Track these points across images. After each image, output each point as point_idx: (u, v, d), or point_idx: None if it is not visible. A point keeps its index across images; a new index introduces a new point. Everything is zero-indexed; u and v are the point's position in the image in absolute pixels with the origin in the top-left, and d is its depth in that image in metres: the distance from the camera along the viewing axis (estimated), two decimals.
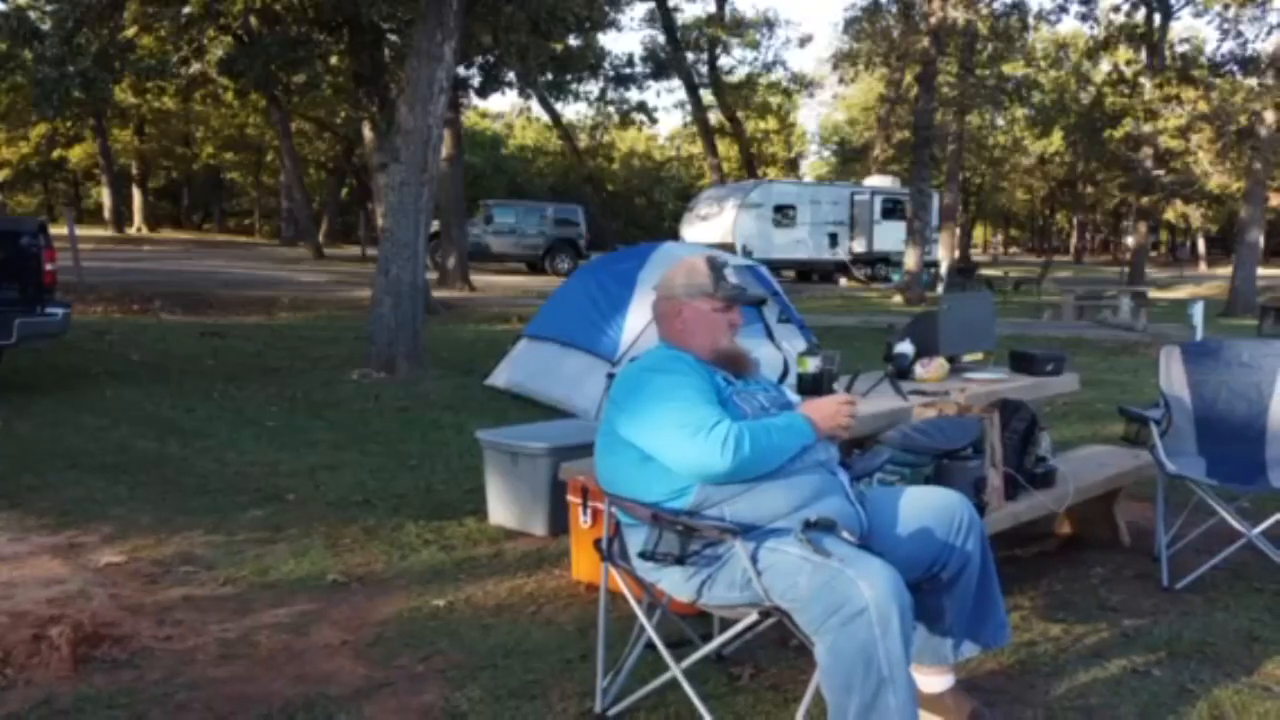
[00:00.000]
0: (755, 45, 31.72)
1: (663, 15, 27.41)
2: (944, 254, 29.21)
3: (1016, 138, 46.17)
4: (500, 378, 7.73)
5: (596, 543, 2.48)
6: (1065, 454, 4.36)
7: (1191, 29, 29.62)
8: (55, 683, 2.53)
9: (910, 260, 22.97)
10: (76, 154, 38.06)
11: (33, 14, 14.57)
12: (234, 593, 3.27)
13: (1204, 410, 3.83)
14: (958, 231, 49.69)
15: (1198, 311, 12.22)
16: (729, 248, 22.11)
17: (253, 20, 13.57)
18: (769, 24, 31.96)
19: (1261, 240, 27.69)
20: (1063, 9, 30.47)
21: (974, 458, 3.20)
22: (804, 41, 38.06)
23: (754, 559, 2.05)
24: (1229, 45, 27.39)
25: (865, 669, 1.89)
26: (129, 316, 12.41)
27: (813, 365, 3.57)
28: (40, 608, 3.05)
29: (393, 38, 13.34)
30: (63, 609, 3.02)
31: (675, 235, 26.80)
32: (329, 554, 3.69)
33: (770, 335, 7.27)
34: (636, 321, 6.61)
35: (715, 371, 2.30)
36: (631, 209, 43.09)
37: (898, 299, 21.82)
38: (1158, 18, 29.22)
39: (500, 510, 4.18)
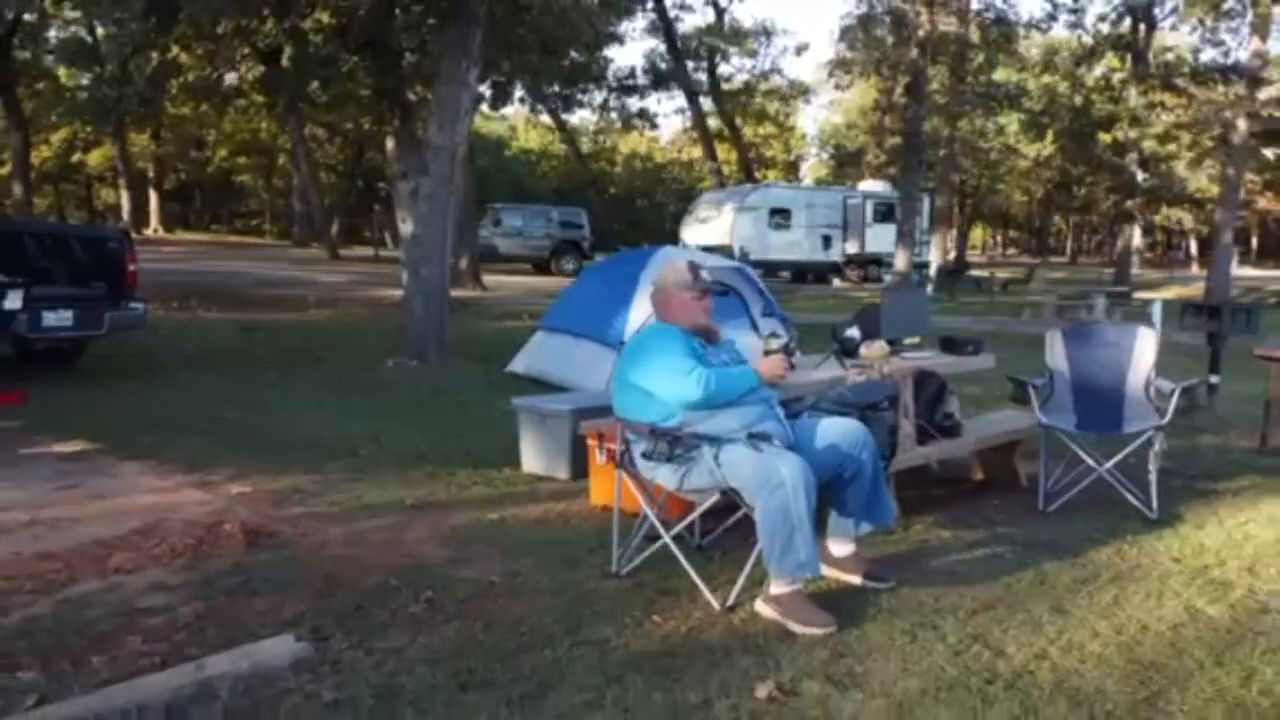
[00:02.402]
0: (753, 53, 32.83)
1: (664, 25, 28.54)
2: (936, 255, 30.34)
3: (1011, 143, 47.25)
4: (519, 365, 8.84)
5: (611, 456, 3.59)
6: (980, 416, 5.48)
7: (1178, 39, 30.57)
8: (237, 555, 3.65)
9: (900, 261, 24.09)
10: (95, 158, 39.27)
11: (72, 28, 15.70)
12: (340, 511, 4.38)
13: (1079, 379, 4.93)
14: (954, 233, 50.84)
15: (1156, 310, 13.42)
16: (727, 249, 23.21)
17: (280, 39, 14.67)
18: (766, 33, 33.17)
19: (1255, 241, 28.74)
20: (1052, 18, 31.61)
21: (888, 410, 4.31)
22: (800, 50, 39.15)
23: (715, 458, 3.16)
24: (1211, 54, 28.49)
25: (783, 520, 3.00)
26: (170, 314, 13.50)
27: (775, 345, 4.66)
28: (203, 517, 4.16)
29: (411, 57, 14.42)
30: (220, 517, 4.13)
31: (676, 236, 27.88)
32: (403, 488, 4.80)
33: (755, 327, 8.38)
34: (639, 316, 7.69)
35: (693, 339, 3.42)
36: (633, 210, 44.16)
37: None
38: (1143, 28, 30.24)
39: (531, 459, 5.29)
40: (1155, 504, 4.46)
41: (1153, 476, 4.54)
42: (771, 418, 3.33)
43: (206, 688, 2.52)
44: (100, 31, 27.18)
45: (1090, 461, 4.53)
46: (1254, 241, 58.75)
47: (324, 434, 6.16)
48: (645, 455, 3.28)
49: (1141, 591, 3.47)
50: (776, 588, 3.11)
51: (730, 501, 3.37)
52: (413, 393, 8.05)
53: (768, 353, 4.76)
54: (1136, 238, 46.98)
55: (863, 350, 5.12)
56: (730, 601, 3.23)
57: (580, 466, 4.92)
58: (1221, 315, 8.01)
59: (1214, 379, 8.02)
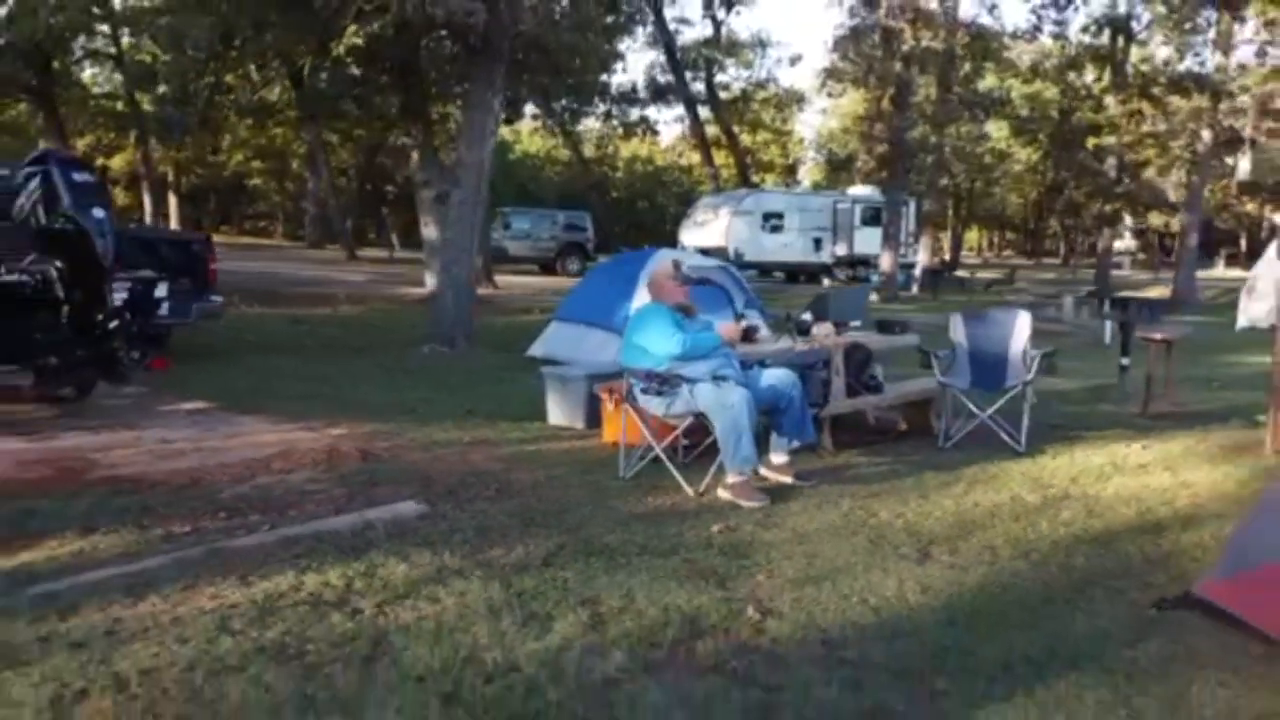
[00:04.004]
0: (749, 65, 34.36)
1: (664, 38, 30.07)
2: (924, 256, 31.90)
3: (1003, 148, 48.78)
4: (538, 349, 10.36)
5: (618, 404, 5.12)
6: (904, 381, 7.01)
7: (1155, 50, 32.09)
8: (356, 465, 5.19)
9: (885, 263, 25.61)
10: (117, 162, 40.87)
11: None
12: (417, 444, 5.91)
13: (974, 350, 6.46)
14: (948, 235, 52.17)
15: (1105, 307, 14.94)
16: (722, 251, 24.73)
17: (315, 61, 16.21)
18: (762, 44, 34.69)
19: (1244, 243, 30.27)
20: (1037, 29, 33.18)
21: (823, 370, 5.85)
22: (794, 61, 40.75)
23: (690, 391, 4.69)
24: (1188, 64, 29.94)
25: (734, 430, 4.54)
26: None
27: (743, 324, 6.21)
28: (320, 445, 5.68)
29: (435, 75, 15.96)
30: (333, 446, 5.65)
31: (675, 239, 29.40)
32: (459, 431, 6.34)
33: (737, 316, 9.91)
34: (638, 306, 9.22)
35: (676, 313, 4.96)
36: (635, 213, 45.69)
37: (874, 297, 24.31)
38: (1121, 39, 31.70)
39: (555, 414, 6.82)
40: (1024, 440, 5.99)
41: (1024, 421, 6.07)
42: (729, 366, 4.87)
43: (369, 524, 4.06)
44: (125, 42, 28.85)
45: (975, 409, 6.07)
46: (1243, 244, 60.23)
47: (386, 399, 7.70)
48: (643, 391, 4.83)
49: (986, 488, 5.01)
50: (731, 478, 4.64)
51: (702, 426, 4.91)
52: (449, 371, 9.58)
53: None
54: (1128, 240, 48.39)
55: (814, 330, 6.66)
56: (700, 489, 4.76)
57: (593, 419, 6.45)
58: (1129, 307, 9.55)
59: (1124, 361, 9.55)
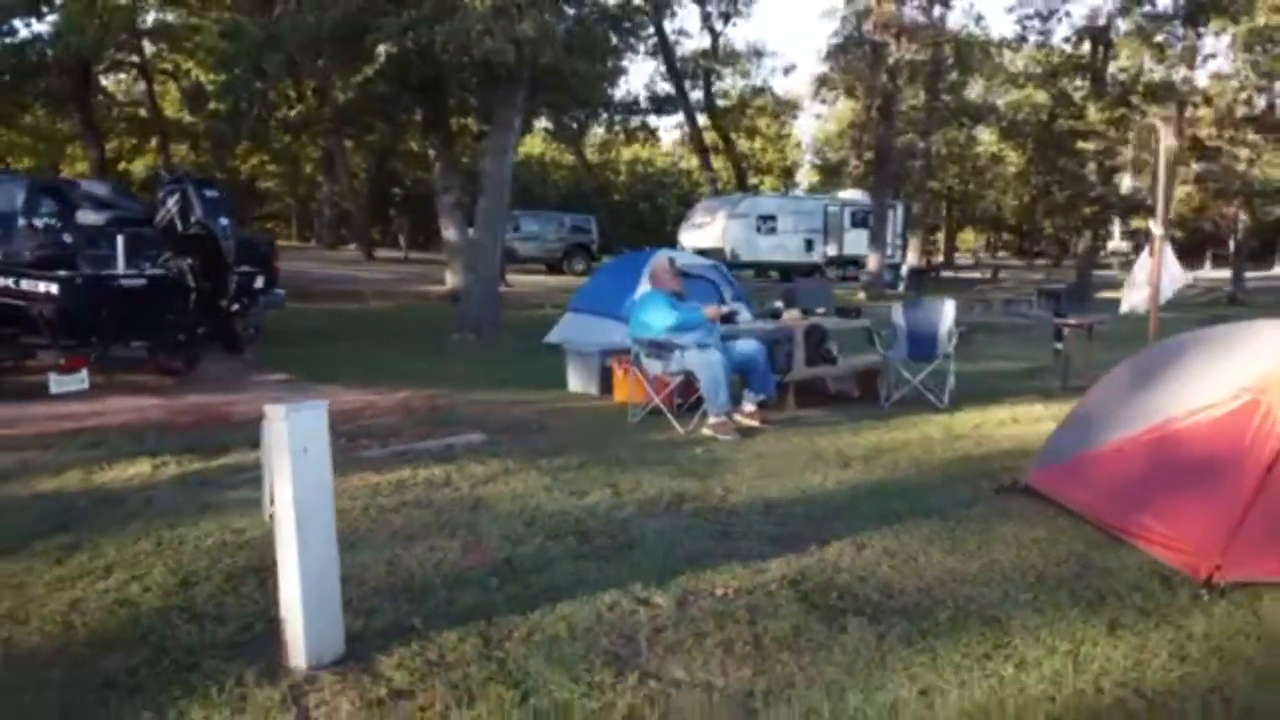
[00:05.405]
0: (746, 73, 35.98)
1: (664, 49, 31.66)
2: (912, 257, 33.51)
3: (996, 154, 50.36)
4: (554, 336, 11.95)
5: (626, 370, 6.73)
6: (856, 355, 8.61)
7: (1131, 60, 33.69)
8: (427, 413, 6.78)
9: (872, 263, 27.21)
10: (138, 166, 42.53)
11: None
12: (469, 402, 7.51)
13: (912, 331, 8.06)
14: (941, 236, 53.59)
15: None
16: (719, 252, 26.32)
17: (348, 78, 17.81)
18: (758, 54, 36.28)
19: (1231, 244, 31.91)
20: (1023, 39, 34.83)
21: (787, 343, 7.46)
22: (788, 70, 42.28)
23: (681, 355, 6.31)
24: (1160, 74, 31.53)
25: (713, 383, 6.16)
26: None
27: (722, 308, 7.82)
28: (394, 402, 7.28)
29: (453, 88, 17.54)
30: (406, 402, 7.25)
31: (675, 240, 30.98)
32: (499, 394, 7.94)
33: (721, 303, 11.49)
34: None
35: (671, 297, 6.56)
36: (636, 215, 47.26)
37: (861, 295, 25.88)
38: (1101, 50, 33.31)
39: (574, 382, 8.42)
40: (946, 399, 7.59)
41: (948, 384, 7.66)
42: (710, 337, 6.48)
43: (450, 445, 5.66)
44: (148, 50, 30.49)
45: (908, 377, 7.67)
46: (1230, 245, 61.65)
47: (430, 373, 9.30)
48: (646, 355, 6.45)
49: (906, 430, 6.61)
50: (711, 419, 6.26)
51: (690, 384, 6.51)
52: (480, 354, 11.20)
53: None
54: (1118, 241, 49.82)
55: (785, 315, 8.26)
56: (690, 429, 6.37)
57: (605, 385, 8.06)
58: (1060, 297, 11.15)
59: (1057, 345, 11.14)
